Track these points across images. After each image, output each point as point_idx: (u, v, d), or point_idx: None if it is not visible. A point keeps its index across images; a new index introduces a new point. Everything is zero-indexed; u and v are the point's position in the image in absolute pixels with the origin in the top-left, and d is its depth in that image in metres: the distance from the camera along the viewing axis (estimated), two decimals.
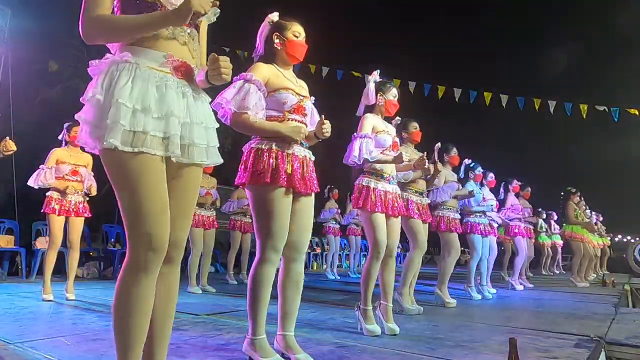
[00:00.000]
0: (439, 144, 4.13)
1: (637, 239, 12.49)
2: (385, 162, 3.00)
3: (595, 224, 9.05)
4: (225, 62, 1.44)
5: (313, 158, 2.27)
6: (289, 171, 2.09)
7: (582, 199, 8.50)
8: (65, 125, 4.21)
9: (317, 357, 2.23)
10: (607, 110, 10.09)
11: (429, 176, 3.91)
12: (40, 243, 6.02)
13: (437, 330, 3.08)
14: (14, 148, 3.70)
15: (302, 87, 2.29)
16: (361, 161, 2.90)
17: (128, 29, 1.38)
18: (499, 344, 2.61)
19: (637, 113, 9.99)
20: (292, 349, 2.14)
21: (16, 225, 6.22)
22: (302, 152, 2.18)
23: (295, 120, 2.18)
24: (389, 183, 3.05)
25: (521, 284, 6.54)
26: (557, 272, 11.18)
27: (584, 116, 10.09)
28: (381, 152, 2.97)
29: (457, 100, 10.25)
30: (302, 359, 2.10)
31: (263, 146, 2.10)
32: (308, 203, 2.24)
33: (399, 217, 3.10)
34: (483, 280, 5.44)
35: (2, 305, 3.53)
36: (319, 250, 10.65)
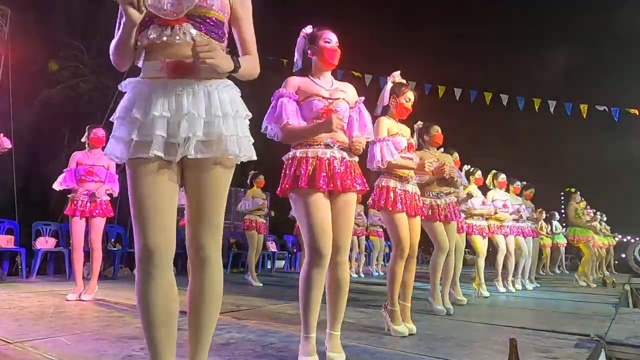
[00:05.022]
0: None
1: (637, 239, 12.48)
2: (407, 167, 3.01)
3: (600, 222, 8.97)
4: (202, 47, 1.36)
5: (348, 158, 2.25)
6: (320, 175, 2.14)
7: (583, 198, 8.47)
8: (87, 127, 4.31)
9: (317, 357, 2.23)
10: (607, 110, 10.07)
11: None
12: (40, 243, 6.03)
13: (437, 330, 3.08)
14: (9, 145, 3.72)
15: (339, 89, 2.31)
16: (385, 164, 2.90)
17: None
18: (499, 344, 2.61)
19: (637, 113, 9.98)
20: (329, 347, 2.21)
21: (16, 225, 6.21)
22: (326, 154, 2.19)
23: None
24: (408, 183, 3.05)
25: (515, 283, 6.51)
26: (559, 272, 11.16)
27: (584, 116, 10.09)
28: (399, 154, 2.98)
29: (457, 100, 10.25)
30: (332, 357, 2.16)
31: (298, 154, 2.21)
32: (347, 203, 2.25)
33: (418, 216, 3.10)
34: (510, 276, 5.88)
35: (2, 305, 3.53)
36: None
